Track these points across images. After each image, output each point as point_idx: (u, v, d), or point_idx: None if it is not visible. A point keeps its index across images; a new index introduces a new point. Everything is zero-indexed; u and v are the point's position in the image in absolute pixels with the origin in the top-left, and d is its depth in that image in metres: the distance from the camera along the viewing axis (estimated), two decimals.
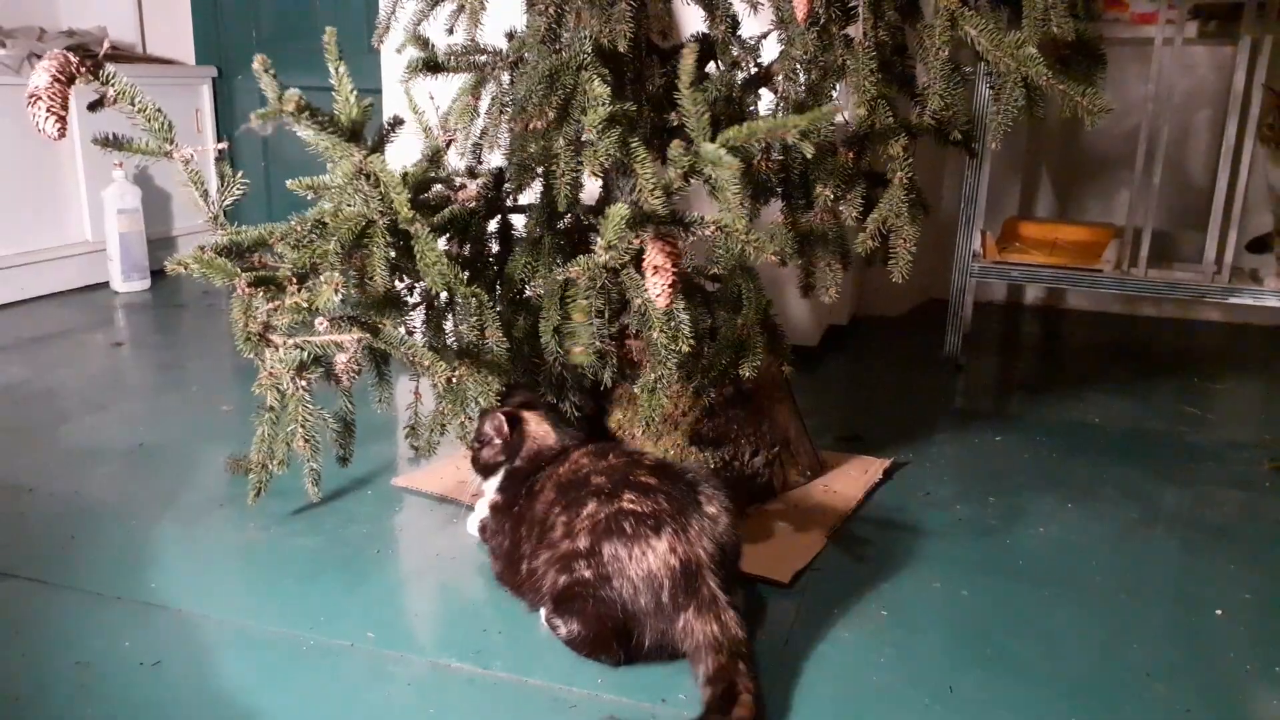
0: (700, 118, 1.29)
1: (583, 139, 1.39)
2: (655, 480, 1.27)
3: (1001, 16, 1.41)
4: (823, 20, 1.45)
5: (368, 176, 1.30)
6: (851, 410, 2.28)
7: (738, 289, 1.51)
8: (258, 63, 1.29)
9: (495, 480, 1.45)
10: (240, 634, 1.31)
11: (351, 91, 1.31)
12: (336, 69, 1.31)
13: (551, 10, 1.44)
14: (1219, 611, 1.41)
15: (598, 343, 1.35)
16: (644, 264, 1.29)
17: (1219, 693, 1.22)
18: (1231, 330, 3.12)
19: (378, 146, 1.36)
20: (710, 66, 1.63)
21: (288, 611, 1.36)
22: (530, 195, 1.62)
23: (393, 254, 1.31)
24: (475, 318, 1.41)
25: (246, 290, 1.29)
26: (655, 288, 1.28)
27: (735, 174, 1.24)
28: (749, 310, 1.50)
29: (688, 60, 1.29)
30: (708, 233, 1.37)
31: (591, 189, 1.54)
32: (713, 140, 1.28)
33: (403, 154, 1.52)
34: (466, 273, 1.38)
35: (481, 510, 1.51)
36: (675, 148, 1.31)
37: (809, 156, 1.34)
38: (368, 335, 1.34)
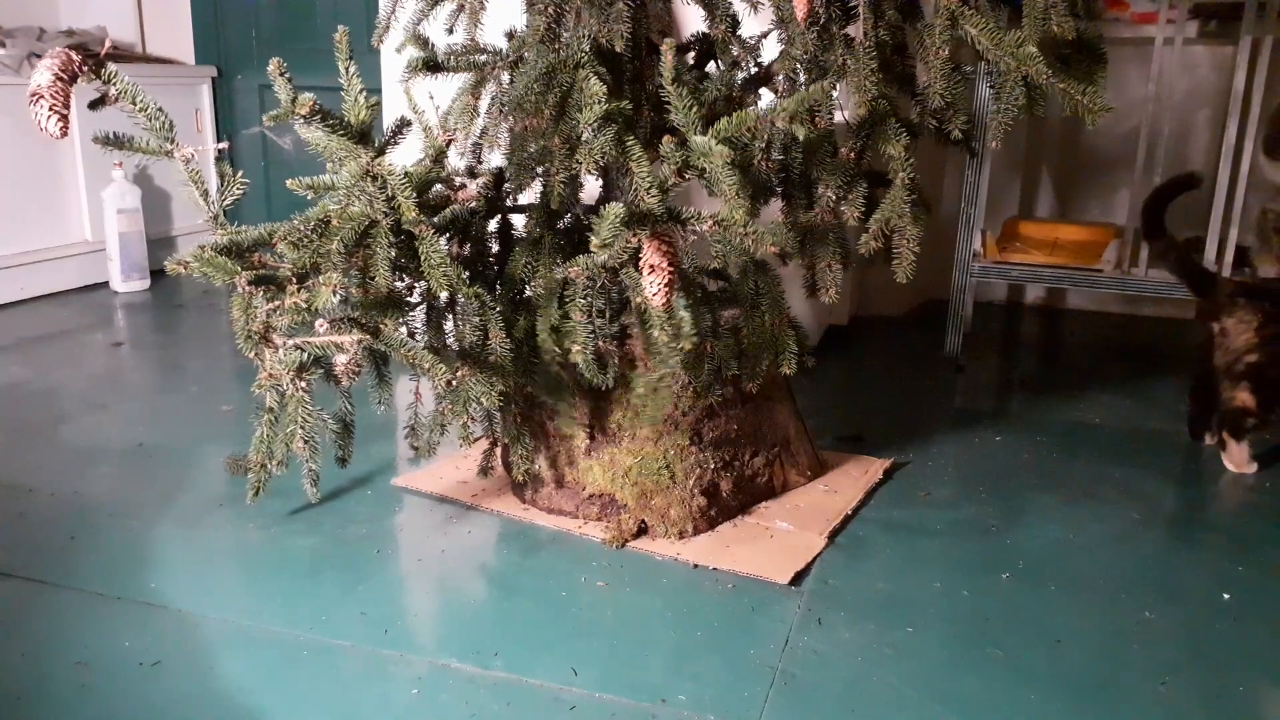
0: (688, 111, 1.29)
1: (579, 136, 1.39)
2: None
3: (1001, 15, 1.41)
4: (823, 20, 1.45)
5: (374, 178, 1.30)
6: (851, 410, 2.28)
7: (754, 287, 1.50)
8: (273, 66, 1.29)
9: None
10: (240, 634, 1.31)
11: (360, 91, 1.31)
12: (346, 68, 1.31)
13: (551, 10, 1.44)
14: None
15: (598, 342, 1.35)
16: (640, 263, 1.29)
17: (1219, 693, 1.22)
18: None
19: (383, 149, 1.36)
20: (710, 66, 1.63)
21: (288, 611, 1.36)
22: (530, 195, 1.62)
23: (394, 254, 1.31)
24: (478, 318, 1.41)
25: (247, 289, 1.28)
26: (651, 286, 1.28)
27: (726, 162, 1.24)
28: (772, 307, 1.50)
29: (667, 58, 1.30)
30: (705, 228, 1.37)
31: (592, 188, 1.54)
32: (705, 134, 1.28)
33: (402, 153, 1.51)
34: (467, 273, 1.37)
35: None
36: (667, 143, 1.31)
37: (800, 139, 1.33)
38: (367, 336, 1.34)
